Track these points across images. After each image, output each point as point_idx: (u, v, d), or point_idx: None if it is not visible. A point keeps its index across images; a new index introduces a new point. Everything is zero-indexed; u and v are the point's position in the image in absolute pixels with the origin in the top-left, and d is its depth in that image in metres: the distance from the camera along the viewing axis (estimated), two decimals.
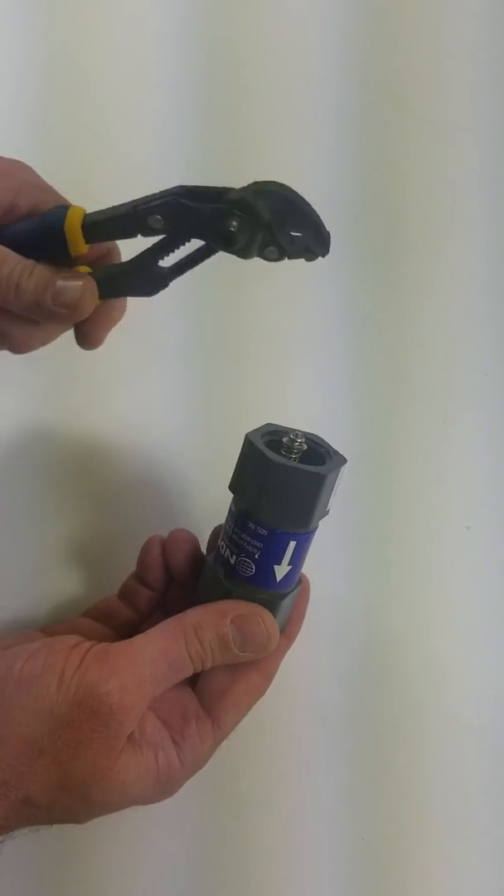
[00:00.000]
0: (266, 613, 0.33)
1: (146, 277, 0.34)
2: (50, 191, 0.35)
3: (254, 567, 0.33)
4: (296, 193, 0.31)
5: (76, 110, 0.44)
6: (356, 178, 0.45)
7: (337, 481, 0.33)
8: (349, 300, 0.45)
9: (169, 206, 0.31)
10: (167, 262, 0.34)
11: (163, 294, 0.43)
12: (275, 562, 0.33)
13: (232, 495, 0.34)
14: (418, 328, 0.45)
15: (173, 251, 0.33)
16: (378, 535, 0.43)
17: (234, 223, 0.30)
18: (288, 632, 0.37)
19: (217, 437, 0.42)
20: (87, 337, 0.37)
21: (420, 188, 0.46)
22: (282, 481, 0.31)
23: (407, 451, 0.44)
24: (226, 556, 0.34)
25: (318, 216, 0.32)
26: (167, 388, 0.43)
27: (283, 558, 0.32)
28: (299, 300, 0.45)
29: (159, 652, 0.31)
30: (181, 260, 0.34)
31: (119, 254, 0.37)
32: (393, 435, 0.44)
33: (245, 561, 0.33)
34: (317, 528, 0.34)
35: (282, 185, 0.31)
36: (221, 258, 0.45)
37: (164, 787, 0.32)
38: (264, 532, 0.32)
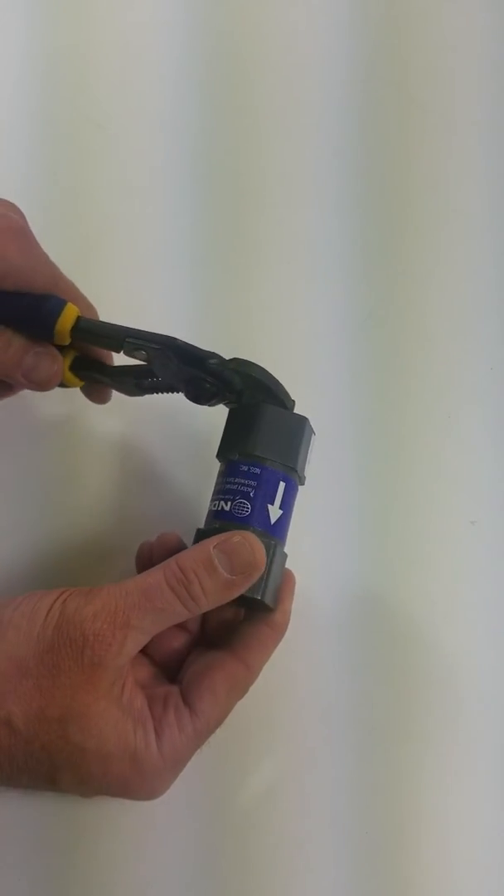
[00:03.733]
0: (247, 533, 0.33)
1: (126, 383, 0.38)
2: (38, 270, 0.34)
3: (249, 506, 0.34)
4: (269, 379, 0.35)
5: (80, 102, 0.45)
6: (360, 170, 0.46)
7: (312, 441, 0.37)
8: (353, 294, 0.45)
9: (155, 352, 0.34)
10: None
11: (163, 291, 0.44)
12: (269, 501, 0.34)
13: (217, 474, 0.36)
14: (423, 322, 0.45)
15: (153, 380, 0.37)
16: (382, 529, 0.43)
17: (203, 392, 0.35)
18: (275, 622, 0.36)
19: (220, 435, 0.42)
20: (93, 397, 0.40)
21: (425, 181, 0.46)
22: (272, 420, 0.35)
23: (411, 446, 0.44)
24: (220, 508, 0.35)
25: (285, 394, 0.36)
26: None
27: (275, 498, 0.35)
28: (303, 294, 0.45)
29: (135, 584, 0.31)
30: (164, 383, 0.37)
31: (111, 359, 0.39)
32: (397, 429, 0.44)
33: (241, 502, 0.34)
34: (300, 485, 0.36)
35: (261, 368, 0.35)
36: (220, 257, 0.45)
37: (141, 773, 0.31)
38: (257, 470, 0.35)
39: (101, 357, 0.38)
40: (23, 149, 0.44)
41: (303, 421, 0.36)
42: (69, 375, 0.38)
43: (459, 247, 0.45)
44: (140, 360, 0.35)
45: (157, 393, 0.38)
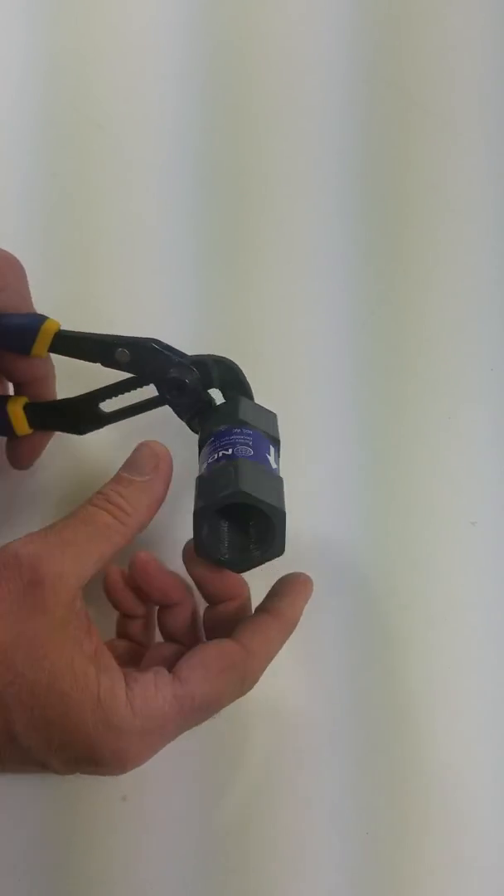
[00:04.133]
0: (151, 441, 0.33)
1: (81, 417, 0.38)
2: (28, 302, 0.37)
3: (251, 449, 0.34)
4: (241, 373, 0.38)
5: (81, 103, 0.44)
6: (362, 171, 0.46)
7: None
8: (354, 294, 0.45)
9: (138, 346, 0.36)
10: (107, 406, 0.38)
11: (164, 292, 0.44)
12: (266, 452, 0.35)
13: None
14: (424, 323, 0.45)
15: (117, 395, 0.37)
16: (382, 530, 0.43)
17: (188, 378, 0.36)
18: (281, 612, 0.35)
19: None
20: (18, 460, 0.40)
21: (426, 182, 0.46)
22: (252, 407, 0.37)
23: (412, 446, 0.44)
24: (220, 455, 0.34)
25: (251, 393, 0.38)
26: None
27: (269, 455, 0.35)
28: (304, 294, 0.45)
29: (65, 516, 0.32)
30: (125, 407, 0.38)
31: (53, 389, 0.40)
32: (398, 429, 0.44)
33: (243, 447, 0.34)
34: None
35: (232, 363, 0.37)
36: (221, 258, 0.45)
37: (107, 724, 0.29)
38: (249, 432, 0.35)
39: (50, 396, 0.39)
40: (24, 150, 0.44)
41: (275, 416, 0.38)
42: (21, 423, 0.38)
43: (460, 247, 0.45)
44: (122, 361, 0.36)
45: (121, 419, 0.38)
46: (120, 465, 0.34)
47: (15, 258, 0.36)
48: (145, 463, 0.33)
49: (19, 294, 0.36)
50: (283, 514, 0.33)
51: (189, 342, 0.43)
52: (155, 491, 0.32)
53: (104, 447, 0.42)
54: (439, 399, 0.44)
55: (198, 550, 0.34)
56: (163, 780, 0.39)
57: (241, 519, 0.34)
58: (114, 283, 0.44)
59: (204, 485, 0.34)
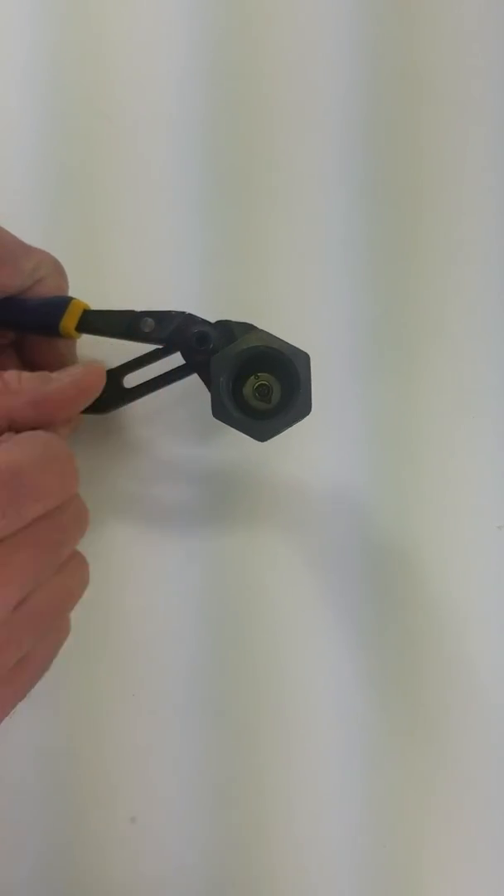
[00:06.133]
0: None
1: (104, 393, 0.37)
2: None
3: None
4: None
5: (89, 95, 0.44)
6: (372, 161, 0.44)
7: None
8: (368, 292, 0.44)
9: (163, 314, 0.36)
10: (130, 381, 0.38)
11: (170, 287, 0.43)
12: None
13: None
14: (442, 319, 0.44)
15: (141, 368, 0.37)
16: (408, 535, 0.42)
17: (211, 331, 0.36)
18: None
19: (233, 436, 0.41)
20: None
21: (438, 172, 0.44)
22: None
23: (435, 448, 0.43)
24: None
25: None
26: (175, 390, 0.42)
27: None
28: (315, 294, 0.44)
29: None
30: (150, 380, 0.38)
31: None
32: (419, 431, 0.43)
33: None
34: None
35: (254, 326, 0.37)
36: (228, 252, 0.43)
37: None
38: None
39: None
40: (31, 140, 0.44)
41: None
42: None
43: (476, 241, 0.44)
44: (147, 331, 0.36)
45: (141, 396, 0.38)
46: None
47: (55, 258, 0.37)
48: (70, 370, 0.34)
49: (59, 288, 0.38)
50: (306, 357, 0.34)
51: None
52: (59, 383, 0.33)
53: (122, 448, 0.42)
54: (463, 399, 0.43)
55: (215, 410, 0.34)
56: (172, 801, 0.39)
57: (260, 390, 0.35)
58: (120, 275, 0.43)
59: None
